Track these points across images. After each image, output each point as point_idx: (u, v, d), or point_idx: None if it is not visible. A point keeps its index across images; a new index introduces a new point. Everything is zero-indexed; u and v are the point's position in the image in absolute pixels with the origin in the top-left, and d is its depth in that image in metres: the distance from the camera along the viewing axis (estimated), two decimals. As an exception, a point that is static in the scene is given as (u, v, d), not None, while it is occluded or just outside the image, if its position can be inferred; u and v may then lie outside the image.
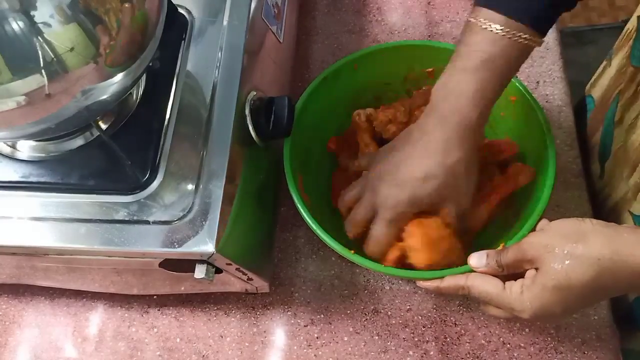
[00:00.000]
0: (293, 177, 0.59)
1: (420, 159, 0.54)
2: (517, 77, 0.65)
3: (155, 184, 0.53)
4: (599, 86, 0.77)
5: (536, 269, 0.47)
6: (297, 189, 0.58)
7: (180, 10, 0.61)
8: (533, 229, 0.53)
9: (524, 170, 0.62)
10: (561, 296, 0.45)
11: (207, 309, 0.67)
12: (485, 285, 0.50)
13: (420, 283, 0.55)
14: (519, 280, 0.48)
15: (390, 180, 0.55)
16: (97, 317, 0.67)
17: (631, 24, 0.70)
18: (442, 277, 0.53)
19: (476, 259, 0.51)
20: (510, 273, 0.49)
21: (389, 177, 0.55)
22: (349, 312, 0.65)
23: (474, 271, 0.51)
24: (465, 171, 0.54)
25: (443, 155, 0.53)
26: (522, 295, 0.47)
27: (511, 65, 0.52)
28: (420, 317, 0.65)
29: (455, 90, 0.53)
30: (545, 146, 0.60)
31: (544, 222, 0.52)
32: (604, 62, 0.77)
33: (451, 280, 0.52)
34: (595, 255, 0.43)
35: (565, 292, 0.45)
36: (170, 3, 0.56)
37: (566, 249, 0.44)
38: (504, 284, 0.49)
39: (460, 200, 0.55)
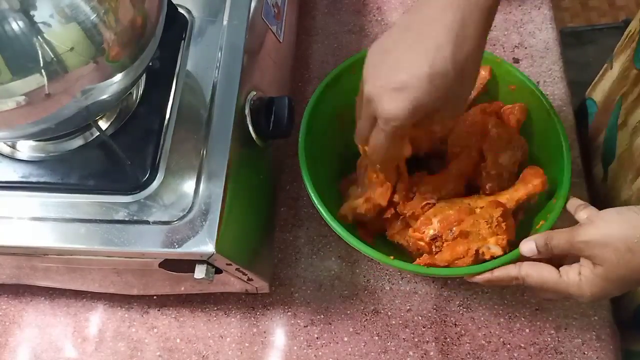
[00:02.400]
0: (307, 167, 0.58)
1: (425, 51, 0.43)
2: (531, 80, 0.65)
3: (155, 184, 0.53)
4: (600, 89, 0.77)
5: (588, 258, 0.47)
6: (309, 172, 0.58)
7: (180, 10, 0.61)
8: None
9: (538, 174, 0.59)
10: (623, 284, 0.46)
11: (207, 310, 0.67)
12: (541, 275, 0.50)
13: (469, 278, 0.54)
14: (574, 267, 0.49)
15: (388, 82, 0.45)
16: (97, 318, 0.67)
17: (633, 27, 0.69)
18: (492, 269, 0.53)
19: (527, 246, 0.51)
20: (562, 256, 0.50)
21: (386, 78, 0.45)
22: (349, 312, 0.65)
23: (523, 258, 0.51)
24: (475, 68, 0.45)
25: (455, 45, 0.42)
26: (580, 283, 0.48)
27: None
28: (420, 318, 0.65)
29: None
30: (560, 146, 0.60)
31: (591, 212, 0.51)
32: (605, 65, 0.76)
33: (503, 272, 0.52)
34: None
35: (627, 280, 0.46)
36: (170, 3, 0.56)
37: (627, 244, 0.44)
38: (559, 270, 0.49)
39: (459, 106, 0.48)
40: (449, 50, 0.42)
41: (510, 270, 0.52)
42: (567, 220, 0.53)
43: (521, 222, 0.61)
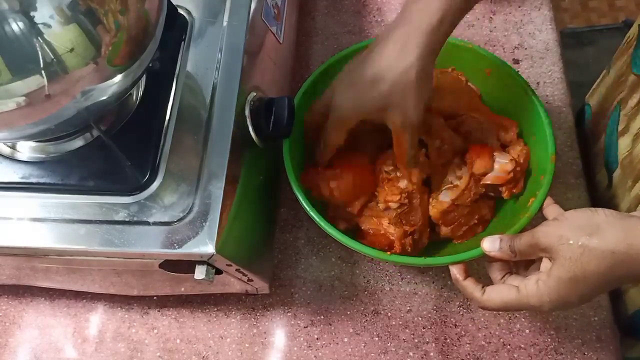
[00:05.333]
0: (293, 172, 0.58)
1: (375, 61, 0.53)
2: (519, 73, 0.65)
3: (155, 184, 0.53)
4: (597, 94, 0.77)
5: (549, 258, 0.47)
6: (298, 182, 0.58)
7: (180, 11, 0.61)
8: (540, 210, 0.55)
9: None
10: (577, 287, 0.45)
11: (207, 310, 0.67)
12: (502, 297, 0.49)
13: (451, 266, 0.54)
14: (533, 277, 0.48)
15: (345, 80, 0.56)
16: (97, 318, 0.67)
17: (632, 33, 0.69)
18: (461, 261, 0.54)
19: (489, 243, 0.50)
20: (522, 259, 0.50)
21: (346, 77, 0.56)
22: (349, 313, 0.65)
23: (486, 254, 0.51)
24: (416, 80, 0.52)
25: (396, 58, 0.52)
26: (539, 290, 0.47)
27: None
28: (420, 318, 0.65)
29: None
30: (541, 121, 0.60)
31: (558, 210, 0.52)
32: (603, 72, 0.76)
33: (470, 286, 0.52)
34: (610, 248, 0.43)
35: (581, 283, 0.45)
36: (170, 3, 0.56)
37: (580, 241, 0.44)
38: (517, 288, 0.48)
39: (407, 111, 0.54)
40: (389, 63, 0.52)
41: (475, 292, 0.51)
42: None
43: (511, 201, 0.62)
